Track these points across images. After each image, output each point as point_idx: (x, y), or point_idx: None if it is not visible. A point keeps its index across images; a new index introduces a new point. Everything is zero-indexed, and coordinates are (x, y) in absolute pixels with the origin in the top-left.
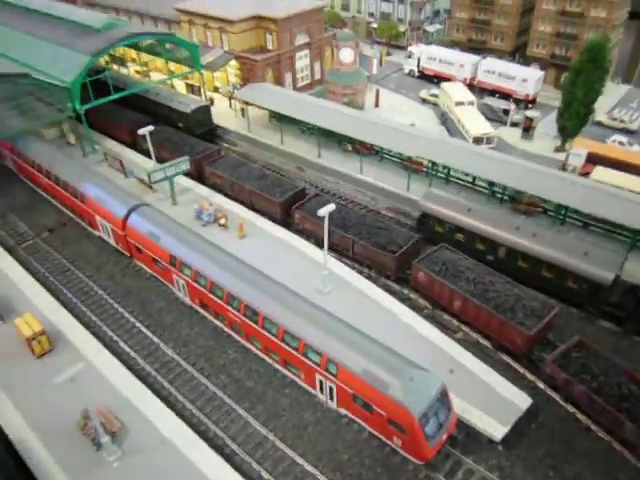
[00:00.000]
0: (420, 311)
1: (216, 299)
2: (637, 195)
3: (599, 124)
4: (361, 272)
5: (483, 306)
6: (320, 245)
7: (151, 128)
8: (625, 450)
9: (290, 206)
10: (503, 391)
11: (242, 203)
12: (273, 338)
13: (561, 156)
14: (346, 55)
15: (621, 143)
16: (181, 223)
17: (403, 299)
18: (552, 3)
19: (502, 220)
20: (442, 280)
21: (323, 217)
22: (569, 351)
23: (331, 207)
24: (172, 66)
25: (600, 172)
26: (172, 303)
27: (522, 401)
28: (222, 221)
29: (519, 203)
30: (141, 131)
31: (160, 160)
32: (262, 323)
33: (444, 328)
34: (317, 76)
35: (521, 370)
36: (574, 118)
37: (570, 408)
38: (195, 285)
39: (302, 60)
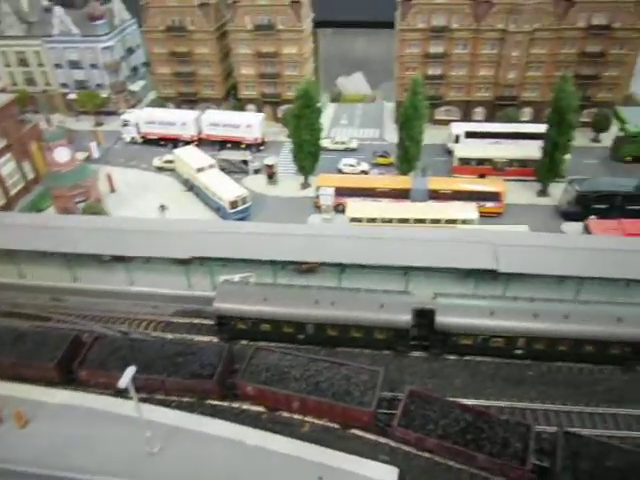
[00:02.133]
0: (260, 420)
1: None
2: (392, 229)
3: (325, 149)
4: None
5: (322, 400)
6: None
7: None
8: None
9: (68, 364)
10: (372, 474)
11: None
12: None
13: (309, 192)
14: (61, 155)
15: (351, 165)
16: None
17: (237, 414)
18: (247, 47)
19: (300, 298)
20: (273, 389)
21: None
22: (407, 406)
23: (131, 371)
24: None
25: (353, 209)
26: None
27: (390, 473)
28: None
29: (300, 264)
30: None
31: None
32: None
33: (288, 426)
34: (30, 175)
35: (373, 437)
36: (309, 158)
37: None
38: None
39: (7, 166)
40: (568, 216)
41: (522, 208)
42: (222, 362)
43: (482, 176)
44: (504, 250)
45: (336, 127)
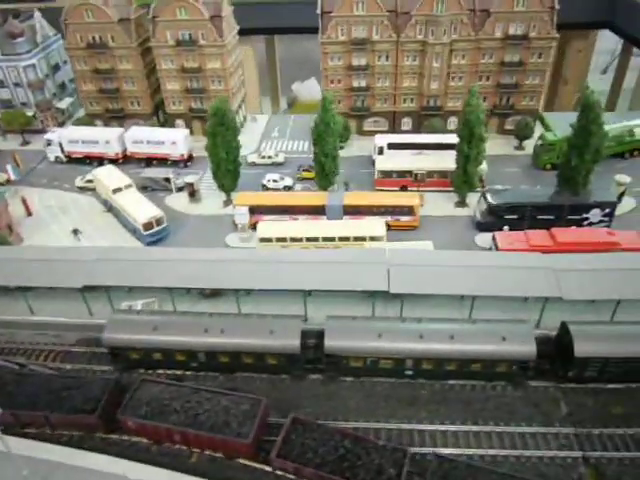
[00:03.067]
0: (149, 452)
1: None
2: (293, 252)
3: (253, 164)
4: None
5: (201, 433)
6: None
7: None
8: None
9: None
10: None
11: None
12: None
13: (229, 210)
14: None
15: (275, 181)
16: None
17: (127, 447)
18: (170, 62)
19: (190, 326)
20: (153, 423)
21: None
22: (288, 434)
23: None
24: None
25: (262, 229)
26: None
27: None
28: None
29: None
30: None
31: None
32: None
33: (176, 458)
34: None
35: (259, 466)
36: (228, 176)
37: None
38: None
39: None
40: (482, 227)
41: (441, 220)
42: (106, 396)
43: (404, 188)
44: (396, 270)
45: (267, 140)
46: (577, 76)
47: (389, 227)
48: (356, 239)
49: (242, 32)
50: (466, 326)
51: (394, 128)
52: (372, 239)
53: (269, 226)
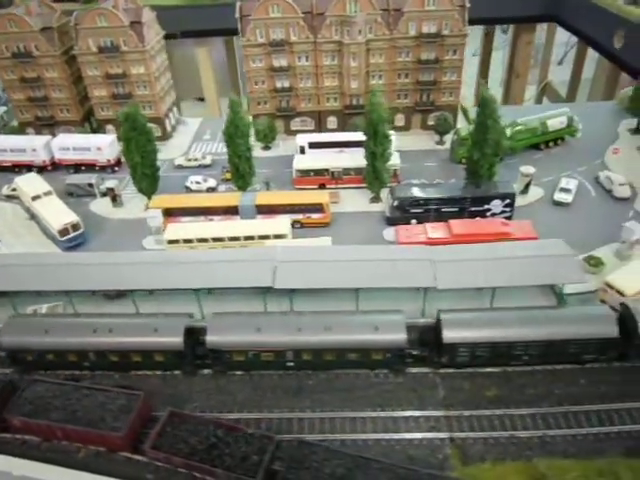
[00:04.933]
0: (40, 449)
1: None
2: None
3: (180, 167)
4: None
5: (78, 428)
6: None
7: None
8: None
9: None
10: None
11: None
12: None
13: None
14: None
15: (198, 182)
16: None
17: (18, 445)
18: (95, 69)
19: (79, 327)
20: (36, 421)
21: None
22: (164, 427)
23: None
24: None
25: (169, 231)
26: None
27: None
28: None
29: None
30: None
31: None
32: None
33: (65, 453)
34: None
35: (141, 458)
36: (146, 180)
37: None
38: None
39: None
40: (390, 221)
41: (355, 215)
42: None
43: (322, 186)
44: (283, 267)
45: (198, 142)
46: (528, 68)
47: (302, 224)
48: (261, 237)
49: (200, 34)
50: (343, 317)
51: (320, 127)
52: (277, 237)
53: (177, 228)
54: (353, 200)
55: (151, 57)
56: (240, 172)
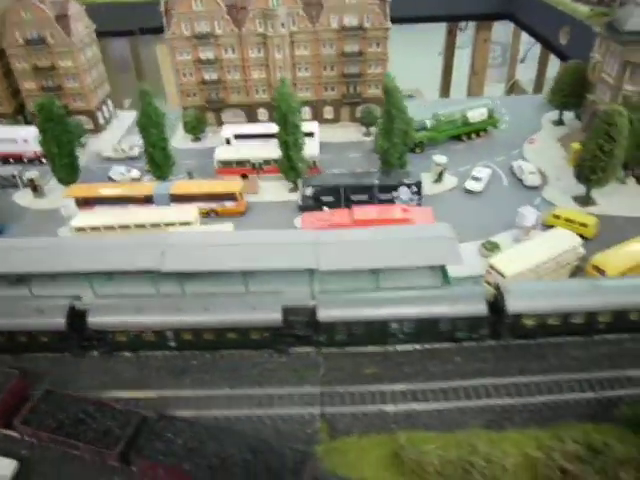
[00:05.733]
0: None
1: None
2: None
3: (109, 159)
4: None
5: None
6: None
7: None
8: None
9: None
10: None
11: None
12: None
13: None
14: None
15: (122, 173)
16: None
17: None
18: (24, 62)
19: None
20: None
21: None
22: (38, 404)
23: None
24: None
25: (77, 219)
26: None
27: (6, 467)
28: None
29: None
30: None
31: None
32: None
33: None
34: None
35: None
36: (64, 170)
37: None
38: None
39: None
40: (303, 210)
41: (273, 204)
42: None
43: (244, 176)
44: (172, 251)
45: (131, 135)
46: (485, 66)
47: (217, 213)
48: (167, 225)
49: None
50: (224, 299)
51: (251, 119)
52: (183, 224)
53: (86, 216)
54: (273, 190)
55: (79, 50)
56: (156, 162)
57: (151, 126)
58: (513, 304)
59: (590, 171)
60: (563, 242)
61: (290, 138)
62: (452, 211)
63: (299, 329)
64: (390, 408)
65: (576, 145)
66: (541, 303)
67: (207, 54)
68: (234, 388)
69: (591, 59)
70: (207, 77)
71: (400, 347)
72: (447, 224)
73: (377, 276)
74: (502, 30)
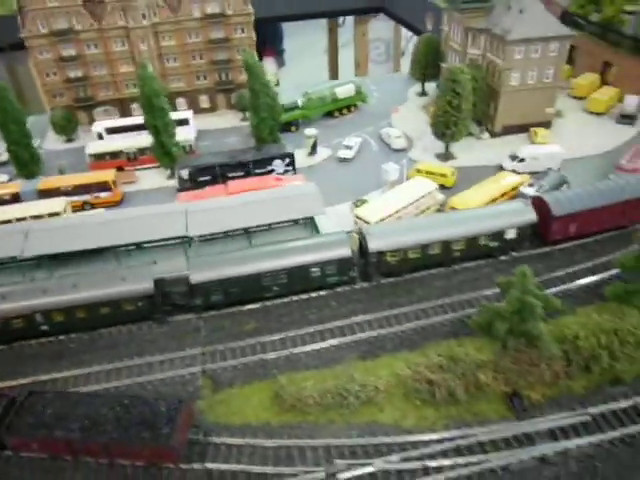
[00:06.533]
0: None
1: None
2: None
3: None
4: None
5: None
6: None
7: None
8: None
9: None
10: None
11: None
12: None
13: None
14: None
15: None
16: None
17: None
18: None
19: None
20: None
21: None
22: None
23: None
24: None
25: None
26: None
27: None
28: None
29: None
30: None
31: None
32: None
33: None
34: None
35: None
36: None
37: None
38: None
39: None
40: (182, 192)
41: (150, 192)
42: None
43: (120, 169)
44: (34, 235)
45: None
46: (366, 59)
47: (92, 205)
48: (33, 217)
49: None
50: (94, 275)
51: (125, 114)
52: (51, 215)
53: None
54: (151, 179)
55: None
56: (21, 160)
57: (10, 122)
58: (374, 243)
59: (444, 126)
60: (420, 189)
61: (159, 122)
62: (327, 178)
63: (178, 298)
64: (270, 356)
65: (434, 108)
66: (399, 239)
67: (69, 51)
68: (114, 362)
69: (442, 32)
70: (72, 75)
71: (278, 301)
72: (312, 183)
73: (250, 236)
74: (385, 27)
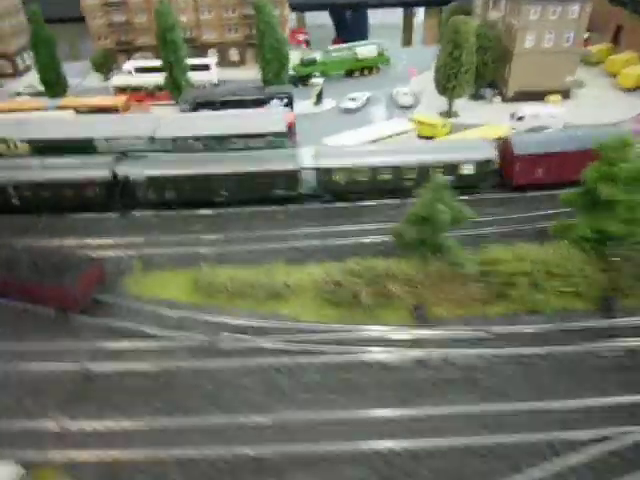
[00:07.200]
0: None
1: None
2: None
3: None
4: None
5: None
6: None
7: None
8: None
9: None
10: None
11: None
12: None
13: None
14: None
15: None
16: None
17: None
18: None
19: None
20: None
21: None
22: None
23: None
24: None
25: None
26: None
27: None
28: None
29: None
30: None
31: None
32: None
33: None
34: None
35: None
36: None
37: None
38: None
39: None
40: None
41: None
42: None
43: (140, 101)
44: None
45: None
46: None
47: None
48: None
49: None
50: (62, 161)
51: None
52: None
53: None
54: (165, 112)
55: None
56: (47, 80)
57: (41, 45)
58: (322, 161)
59: (445, 79)
60: (397, 126)
61: (172, 57)
62: (329, 125)
63: (134, 191)
64: (204, 250)
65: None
66: (348, 160)
67: None
68: (68, 238)
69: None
70: (115, 19)
71: (231, 210)
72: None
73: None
74: None
